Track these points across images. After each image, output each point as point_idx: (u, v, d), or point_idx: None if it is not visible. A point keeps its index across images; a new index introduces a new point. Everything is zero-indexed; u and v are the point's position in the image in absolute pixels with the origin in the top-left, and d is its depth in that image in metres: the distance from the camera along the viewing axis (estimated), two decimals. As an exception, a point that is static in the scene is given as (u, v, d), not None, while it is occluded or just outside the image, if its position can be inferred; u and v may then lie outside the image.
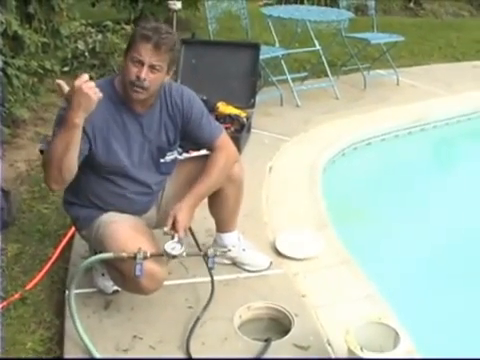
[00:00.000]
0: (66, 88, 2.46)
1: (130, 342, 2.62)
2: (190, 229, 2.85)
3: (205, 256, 2.61)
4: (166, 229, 2.61)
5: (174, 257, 2.51)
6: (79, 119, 2.37)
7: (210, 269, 2.74)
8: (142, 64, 2.50)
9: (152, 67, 2.51)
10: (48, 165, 2.47)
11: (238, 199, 2.99)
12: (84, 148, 2.53)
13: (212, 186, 2.77)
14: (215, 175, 2.74)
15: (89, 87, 2.35)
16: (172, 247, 2.50)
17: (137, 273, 2.41)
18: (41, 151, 2.61)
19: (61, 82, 2.49)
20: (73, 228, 3.27)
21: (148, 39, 2.49)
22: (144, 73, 2.50)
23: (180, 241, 2.53)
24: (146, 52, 2.49)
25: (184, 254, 2.53)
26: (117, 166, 2.67)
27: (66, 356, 2.58)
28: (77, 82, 2.34)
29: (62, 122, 2.41)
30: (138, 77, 2.50)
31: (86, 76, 2.37)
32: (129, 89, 2.55)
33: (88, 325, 2.64)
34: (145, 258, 2.43)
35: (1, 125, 4.25)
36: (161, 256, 2.51)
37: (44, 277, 3.12)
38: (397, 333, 2.44)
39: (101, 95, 2.39)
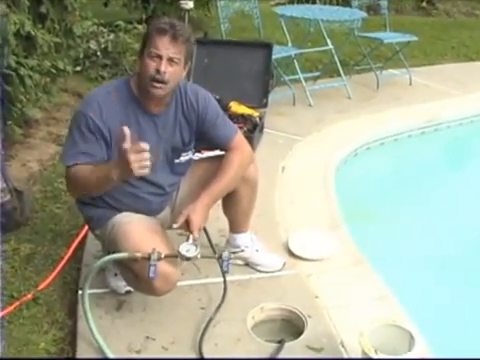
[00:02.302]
0: (128, 144, 2.26)
1: (143, 343, 2.61)
2: (205, 229, 2.83)
3: (220, 259, 2.56)
4: (175, 225, 2.59)
5: (188, 259, 2.48)
6: (117, 178, 2.35)
7: (225, 272, 2.68)
8: (160, 58, 2.50)
9: (171, 60, 2.51)
10: (75, 184, 2.54)
11: (252, 200, 2.98)
12: (103, 155, 2.55)
13: (227, 186, 2.75)
14: (230, 175, 2.72)
15: (138, 160, 2.25)
16: (187, 249, 2.47)
17: (151, 275, 2.39)
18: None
19: (127, 132, 2.27)
20: (86, 228, 3.28)
21: (164, 32, 2.50)
22: (164, 66, 2.50)
23: (195, 243, 2.50)
24: (163, 45, 2.50)
25: (199, 256, 2.49)
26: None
27: (79, 356, 2.57)
28: (134, 149, 2.25)
29: (110, 164, 2.42)
30: (158, 70, 2.49)
31: (145, 146, 2.26)
32: (149, 86, 2.54)
33: (100, 326, 2.63)
34: (159, 259, 2.41)
35: (12, 125, 4.25)
36: (175, 257, 2.49)
37: (56, 277, 3.12)
38: (412, 335, 2.41)
39: (146, 172, 2.30)
